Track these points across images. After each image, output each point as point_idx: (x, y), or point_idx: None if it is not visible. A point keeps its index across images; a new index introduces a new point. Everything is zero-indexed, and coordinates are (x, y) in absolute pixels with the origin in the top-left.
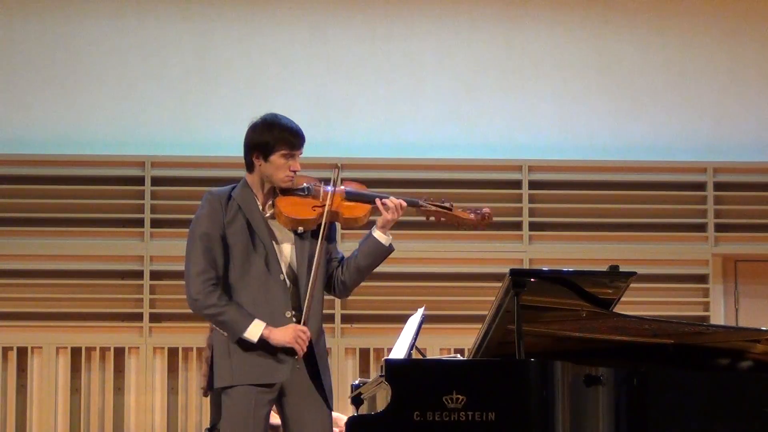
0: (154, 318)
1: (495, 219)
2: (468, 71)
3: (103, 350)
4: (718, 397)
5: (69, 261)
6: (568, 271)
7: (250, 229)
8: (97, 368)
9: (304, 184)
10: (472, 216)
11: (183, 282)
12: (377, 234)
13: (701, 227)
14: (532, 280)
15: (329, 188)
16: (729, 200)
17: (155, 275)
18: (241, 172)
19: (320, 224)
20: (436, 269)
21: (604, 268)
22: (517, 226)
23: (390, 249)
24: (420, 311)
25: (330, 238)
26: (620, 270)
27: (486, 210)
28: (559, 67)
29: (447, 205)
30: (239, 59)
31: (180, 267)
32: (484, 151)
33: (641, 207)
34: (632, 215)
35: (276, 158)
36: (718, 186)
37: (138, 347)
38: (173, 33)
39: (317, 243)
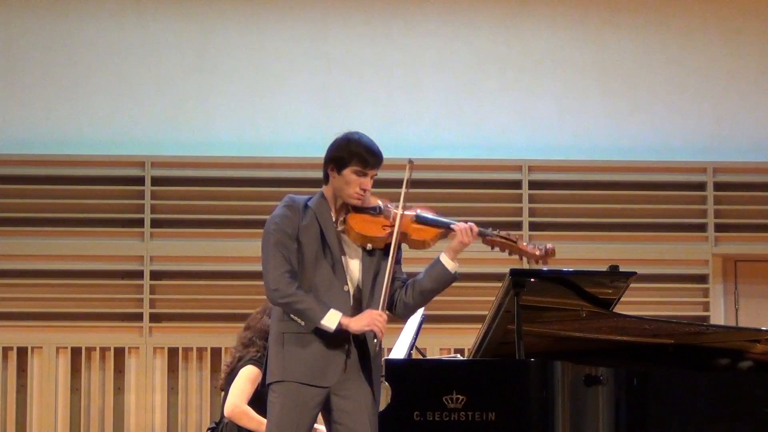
0: (154, 318)
1: (494, 219)
2: (468, 71)
3: (103, 350)
4: (718, 397)
5: (69, 261)
6: (568, 271)
7: (322, 237)
8: (97, 368)
9: (378, 203)
10: (537, 252)
11: (182, 282)
12: (444, 259)
13: (701, 227)
14: (532, 280)
15: (400, 210)
16: (729, 200)
17: (155, 275)
18: (241, 172)
19: (389, 244)
20: None
21: (604, 268)
22: (517, 226)
23: (454, 277)
24: (420, 311)
25: (396, 259)
26: (620, 270)
27: (549, 246)
28: (559, 66)
29: (513, 238)
30: (239, 59)
31: (180, 267)
32: (484, 151)
33: (641, 207)
34: (632, 215)
35: (348, 173)
36: (718, 186)
37: (138, 347)
38: (173, 33)
39: (384, 261)
